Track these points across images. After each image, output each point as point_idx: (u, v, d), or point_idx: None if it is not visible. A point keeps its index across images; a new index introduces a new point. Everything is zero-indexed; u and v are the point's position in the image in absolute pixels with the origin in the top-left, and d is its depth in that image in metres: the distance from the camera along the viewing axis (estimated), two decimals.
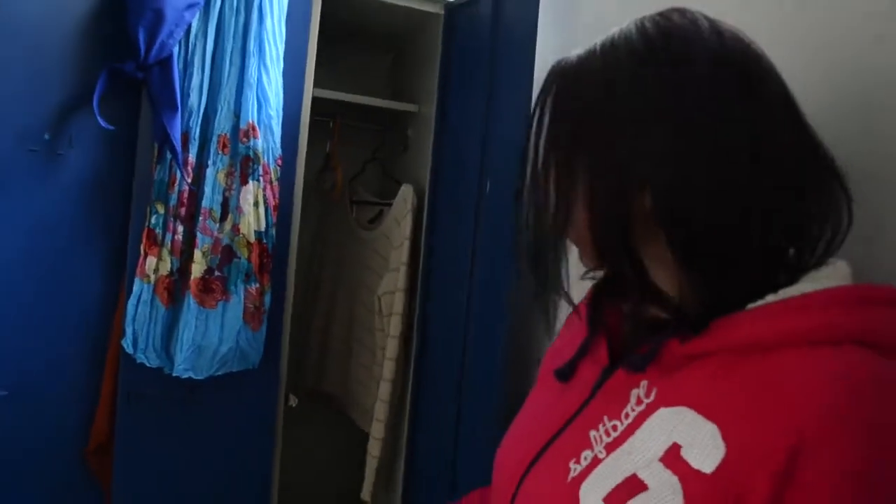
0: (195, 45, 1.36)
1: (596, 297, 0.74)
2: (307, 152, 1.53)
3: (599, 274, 0.74)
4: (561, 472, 0.61)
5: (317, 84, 1.54)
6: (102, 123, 1.27)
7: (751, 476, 0.47)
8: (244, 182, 1.39)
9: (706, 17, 0.59)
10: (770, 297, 0.54)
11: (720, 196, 0.54)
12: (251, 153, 1.39)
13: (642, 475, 0.53)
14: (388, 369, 1.58)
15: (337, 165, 1.74)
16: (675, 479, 0.51)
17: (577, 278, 0.73)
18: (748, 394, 0.50)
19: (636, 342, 0.63)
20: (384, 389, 1.61)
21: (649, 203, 0.57)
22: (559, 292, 0.66)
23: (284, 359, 1.53)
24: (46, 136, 1.29)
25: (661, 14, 0.60)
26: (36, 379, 1.32)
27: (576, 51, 0.63)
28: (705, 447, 0.50)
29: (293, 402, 1.55)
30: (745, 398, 0.50)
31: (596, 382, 0.66)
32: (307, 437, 2.02)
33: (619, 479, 0.55)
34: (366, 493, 1.63)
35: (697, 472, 0.50)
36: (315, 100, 1.54)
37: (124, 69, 1.30)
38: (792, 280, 0.55)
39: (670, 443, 0.53)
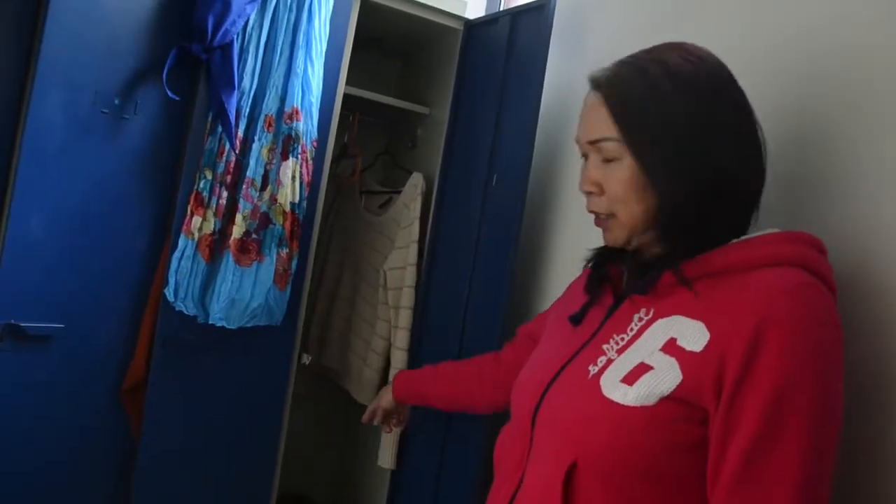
0: (251, 34, 1.55)
1: (598, 261, 0.96)
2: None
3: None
4: (582, 375, 0.82)
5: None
6: (170, 94, 1.45)
7: (729, 346, 0.70)
8: (284, 158, 1.58)
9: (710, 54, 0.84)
10: (734, 241, 0.79)
11: (738, 176, 0.80)
12: (293, 133, 1.58)
13: (648, 361, 0.76)
14: (402, 339, 1.75)
15: (357, 153, 1.94)
16: (672, 359, 0.74)
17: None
18: (725, 299, 0.74)
19: (641, 275, 0.85)
20: (399, 358, 1.74)
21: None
22: None
23: (301, 319, 1.71)
24: (117, 101, 1.45)
25: (687, 51, 0.84)
26: (87, 318, 1.47)
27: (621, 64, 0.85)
28: (695, 335, 0.73)
29: (306, 359, 1.73)
30: (723, 301, 0.74)
31: (605, 316, 0.89)
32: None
33: (630, 367, 0.77)
34: (390, 461, 1.73)
35: (690, 352, 0.73)
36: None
37: (191, 49, 1.48)
38: (740, 235, 0.80)
39: (667, 338, 0.76)
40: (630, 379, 0.76)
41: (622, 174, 0.81)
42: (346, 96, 1.82)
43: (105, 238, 1.49)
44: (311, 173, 1.63)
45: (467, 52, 1.83)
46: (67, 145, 1.41)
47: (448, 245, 1.77)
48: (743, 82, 0.83)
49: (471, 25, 1.81)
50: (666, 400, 0.72)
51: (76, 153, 1.42)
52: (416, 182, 1.81)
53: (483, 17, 1.78)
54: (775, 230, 0.81)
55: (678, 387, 0.72)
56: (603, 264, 0.95)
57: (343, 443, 2.33)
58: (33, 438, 1.44)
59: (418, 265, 1.77)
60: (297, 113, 1.58)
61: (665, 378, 0.73)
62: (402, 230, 1.81)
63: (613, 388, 0.76)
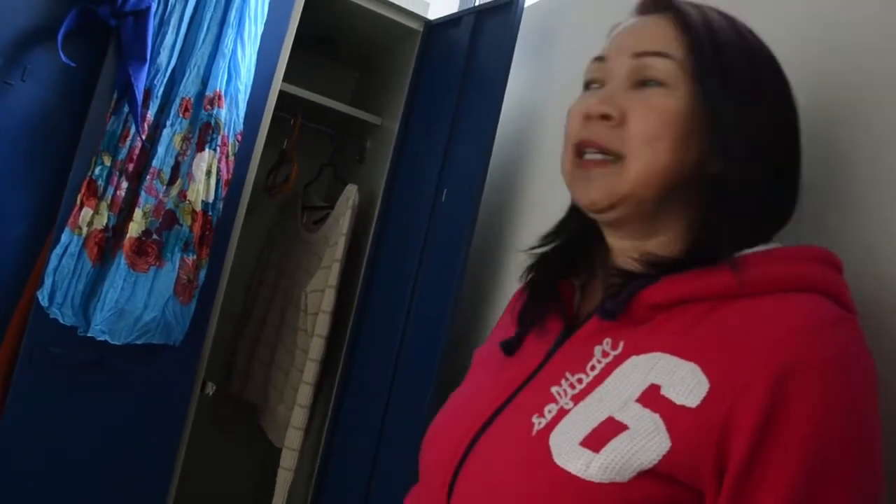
0: (174, 5, 1.34)
1: (540, 277, 0.73)
2: (263, 150, 1.51)
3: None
4: (523, 429, 0.58)
5: (285, 79, 1.53)
6: (63, 58, 1.22)
7: (738, 402, 0.48)
8: (200, 149, 1.35)
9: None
10: (745, 251, 0.58)
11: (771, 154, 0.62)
12: (213, 121, 1.36)
13: (619, 417, 0.53)
14: (309, 371, 1.51)
15: (293, 158, 1.73)
16: (655, 416, 0.51)
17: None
18: (730, 332, 0.52)
19: (610, 293, 0.63)
20: (304, 393, 1.52)
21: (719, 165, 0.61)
22: None
23: (209, 341, 1.45)
24: None
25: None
26: None
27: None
28: (687, 384, 0.51)
29: (210, 389, 1.47)
30: (727, 336, 0.52)
31: (552, 346, 0.66)
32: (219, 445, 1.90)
33: (593, 424, 0.54)
34: None
35: (681, 407, 0.50)
36: (279, 95, 1.52)
37: (97, 12, 1.26)
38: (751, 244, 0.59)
39: (647, 384, 0.53)
40: (595, 441, 0.52)
41: (667, 102, 0.60)
42: (288, 97, 1.62)
43: None
44: (231, 171, 1.40)
45: (425, 56, 1.65)
46: None
47: (387, 268, 1.55)
48: None
49: (431, 26, 1.63)
50: (645, 476, 0.49)
51: None
52: (348, 194, 1.59)
53: (445, 16, 1.61)
54: (777, 245, 0.60)
55: (665, 457, 0.49)
56: (549, 276, 0.73)
57: (257, 491, 2.03)
58: None
59: (339, 288, 1.54)
60: (219, 98, 1.36)
61: (647, 443, 0.50)
62: (329, 247, 1.59)
63: (571, 454, 0.53)
